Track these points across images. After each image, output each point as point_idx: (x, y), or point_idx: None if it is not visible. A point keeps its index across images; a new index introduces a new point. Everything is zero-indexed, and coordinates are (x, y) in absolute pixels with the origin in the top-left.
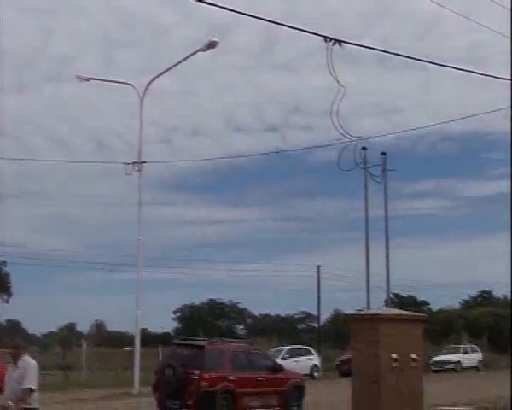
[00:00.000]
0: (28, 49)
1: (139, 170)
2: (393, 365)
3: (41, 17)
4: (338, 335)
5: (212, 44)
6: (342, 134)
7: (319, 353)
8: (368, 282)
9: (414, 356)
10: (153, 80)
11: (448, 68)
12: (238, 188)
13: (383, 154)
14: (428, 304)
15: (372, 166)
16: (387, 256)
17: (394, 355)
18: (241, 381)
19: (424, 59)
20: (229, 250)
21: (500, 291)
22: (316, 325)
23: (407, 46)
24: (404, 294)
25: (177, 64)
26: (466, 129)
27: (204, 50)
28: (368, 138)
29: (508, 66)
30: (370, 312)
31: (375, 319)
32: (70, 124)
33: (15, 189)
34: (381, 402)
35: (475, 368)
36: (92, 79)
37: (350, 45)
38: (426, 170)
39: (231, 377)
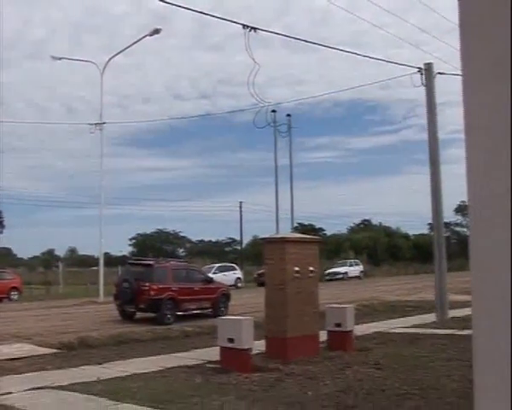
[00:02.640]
0: (11, 33)
1: (100, 129)
2: (296, 275)
3: (20, 7)
4: (256, 255)
5: (156, 31)
6: (257, 100)
7: (241, 269)
8: (277, 214)
9: (311, 269)
10: (110, 59)
11: (338, 50)
12: (178, 143)
13: (288, 115)
14: (324, 230)
15: (280, 125)
16: (292, 195)
17: (297, 268)
18: (181, 290)
19: (320, 43)
20: (172, 191)
21: (376, 220)
22: (239, 248)
23: (307, 32)
24: (306, 223)
25: (130, 46)
26: (352, 97)
27: (151, 35)
28: (277, 104)
29: (380, 49)
30: (279, 236)
31: (283, 241)
32: (46, 93)
33: (3, 145)
34: (287, 302)
35: (358, 277)
36: (63, 58)
37: (263, 31)
38: (322, 128)
39: (174, 288)
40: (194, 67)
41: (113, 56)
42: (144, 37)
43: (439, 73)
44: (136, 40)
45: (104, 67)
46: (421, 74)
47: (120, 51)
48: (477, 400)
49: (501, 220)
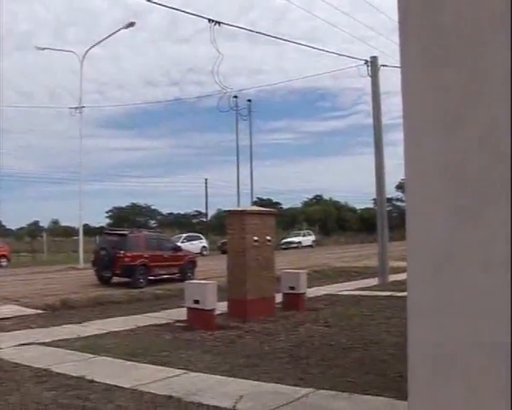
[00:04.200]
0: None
1: (80, 113)
2: (254, 244)
3: (8, 3)
4: (220, 226)
5: (131, 24)
6: (221, 87)
7: (207, 238)
8: (238, 189)
9: (268, 238)
10: (89, 49)
11: (295, 44)
12: (150, 125)
13: (249, 101)
14: (281, 204)
15: (241, 109)
16: (251, 172)
17: (255, 238)
18: (153, 257)
19: (278, 36)
20: (145, 169)
21: (327, 195)
22: (205, 220)
23: (268, 27)
24: (265, 197)
25: (107, 38)
26: (306, 85)
27: (125, 28)
28: (240, 90)
29: (333, 43)
30: (239, 209)
31: (243, 213)
32: (31, 81)
33: None
34: (247, 268)
35: (310, 246)
36: (47, 48)
37: (227, 25)
38: (280, 113)
39: (146, 255)
40: (165, 57)
41: (92, 47)
42: (119, 29)
43: (383, 65)
44: (112, 32)
45: (83, 57)
46: (368, 66)
47: (98, 42)
48: (410, 350)
49: (432, 196)
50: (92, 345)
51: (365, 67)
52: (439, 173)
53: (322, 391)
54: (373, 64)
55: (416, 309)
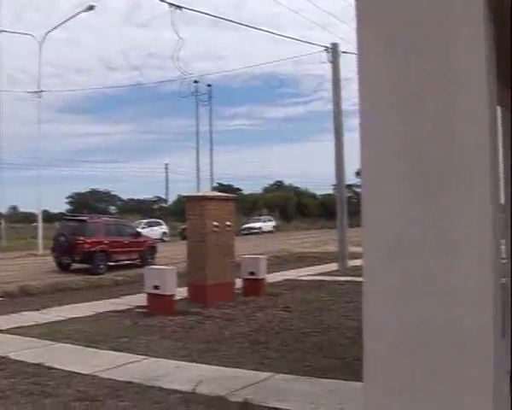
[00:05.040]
0: None
1: (39, 97)
2: (214, 229)
3: None
4: (180, 211)
5: (90, 7)
6: (181, 72)
7: (167, 224)
8: (198, 175)
9: (228, 223)
10: (48, 32)
11: (256, 30)
12: (110, 110)
13: (209, 86)
14: (241, 190)
15: (202, 95)
16: (211, 157)
17: (215, 223)
18: (113, 243)
19: (239, 22)
20: (104, 154)
21: (288, 181)
22: (165, 205)
23: (229, 13)
24: (225, 183)
25: (66, 21)
26: (267, 71)
27: (85, 12)
28: (201, 76)
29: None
30: (199, 194)
31: (202, 199)
32: None
33: None
34: (206, 253)
35: (271, 232)
36: (4, 31)
37: (188, 10)
38: (241, 99)
39: (105, 241)
40: (126, 41)
41: (51, 30)
42: (79, 13)
43: (344, 52)
44: (71, 16)
45: (42, 40)
46: (328, 53)
47: (57, 25)
48: (365, 333)
49: (388, 180)
50: (51, 332)
51: (327, 53)
52: (394, 158)
53: (281, 375)
54: (333, 50)
55: (372, 292)
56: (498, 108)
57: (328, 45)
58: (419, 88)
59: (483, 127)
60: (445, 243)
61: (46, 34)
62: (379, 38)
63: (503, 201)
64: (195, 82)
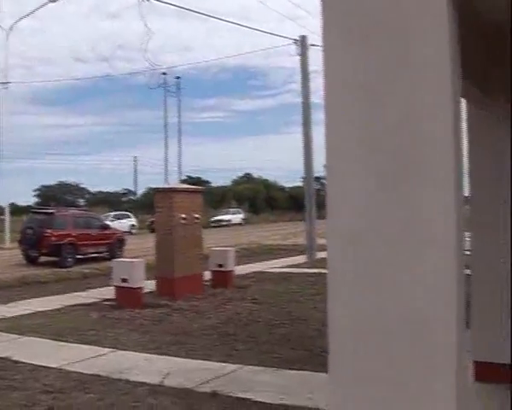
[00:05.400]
0: None
1: (6, 88)
2: (182, 222)
3: None
4: (149, 204)
5: None
6: (150, 64)
7: (136, 217)
8: (166, 167)
9: (196, 216)
10: (16, 22)
11: (224, 22)
12: (79, 102)
13: (177, 78)
14: (210, 182)
15: (170, 87)
16: (180, 150)
17: (183, 215)
18: (80, 236)
19: (207, 13)
20: (73, 146)
21: (257, 174)
22: (134, 198)
23: (198, 5)
24: (194, 176)
25: (33, 11)
26: (237, 63)
27: (53, 2)
28: (170, 67)
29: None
30: (167, 186)
31: (171, 191)
32: None
33: None
34: (174, 246)
35: (240, 224)
36: None
37: (157, 2)
38: (211, 91)
39: (73, 234)
40: (94, 32)
41: (18, 21)
42: (47, 3)
43: (312, 45)
44: (39, 6)
45: (9, 31)
46: (297, 46)
47: (24, 16)
48: (330, 323)
49: (352, 172)
50: (18, 325)
51: (296, 46)
52: (358, 150)
53: (249, 367)
54: (302, 43)
55: (336, 283)
56: (466, 103)
57: (297, 38)
58: (382, 81)
59: (446, 120)
60: (409, 233)
61: (13, 25)
62: (343, 31)
63: (467, 193)
64: (163, 74)
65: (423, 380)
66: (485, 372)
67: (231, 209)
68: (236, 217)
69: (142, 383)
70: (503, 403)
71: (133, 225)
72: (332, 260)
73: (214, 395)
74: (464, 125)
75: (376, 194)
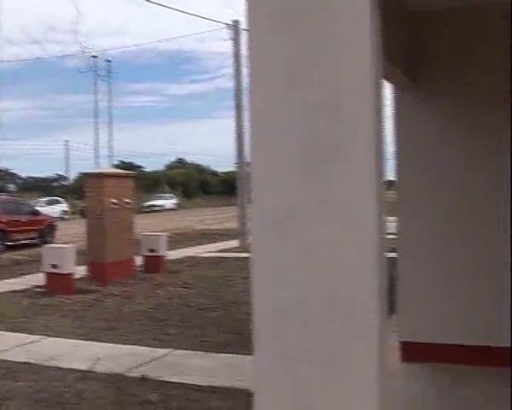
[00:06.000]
0: None
1: None
2: (113, 206)
3: None
4: (81, 189)
5: None
6: (81, 47)
7: (68, 202)
8: (96, 151)
9: (127, 200)
10: None
11: (157, 5)
12: (10, 85)
13: (108, 61)
14: (143, 167)
15: (101, 70)
16: (111, 134)
17: (114, 200)
18: (11, 222)
19: None
20: (3, 131)
21: (192, 158)
22: (66, 183)
23: None
24: (127, 160)
25: None
26: (171, 48)
27: None
28: (103, 51)
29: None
30: (97, 171)
31: (101, 176)
32: None
33: None
34: (105, 231)
35: (173, 209)
36: None
37: None
38: (145, 75)
39: (3, 220)
40: (26, 15)
41: None
42: None
43: (245, 29)
44: None
45: None
46: (230, 30)
47: None
48: (255, 305)
49: (277, 154)
50: None
51: (229, 31)
52: (282, 132)
53: (180, 351)
54: (235, 28)
55: (260, 265)
56: (393, 88)
57: (231, 23)
58: (305, 63)
59: (367, 103)
60: (331, 216)
61: None
62: (267, 13)
63: (392, 177)
64: (94, 57)
65: (345, 360)
66: (411, 352)
67: (164, 194)
68: (169, 202)
69: (73, 370)
70: (428, 382)
71: (65, 211)
72: (256, 242)
73: (144, 379)
74: (391, 111)
75: (297, 177)
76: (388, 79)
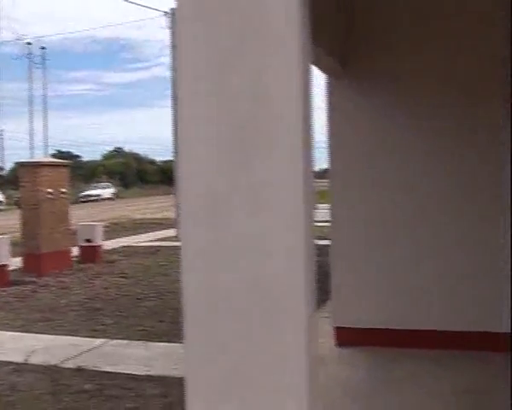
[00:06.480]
0: None
1: None
2: (48, 196)
3: None
4: (17, 180)
5: None
6: (16, 34)
7: (4, 193)
8: (32, 141)
9: (63, 190)
10: None
11: None
12: None
13: (42, 48)
14: (80, 157)
15: (36, 57)
16: (47, 123)
17: (49, 190)
18: None
19: None
20: None
21: (128, 148)
22: (1, 174)
23: None
24: (64, 150)
25: None
26: (109, 36)
27: None
28: (39, 38)
29: None
30: (32, 160)
31: (36, 165)
32: None
33: None
34: (40, 221)
35: (110, 198)
36: None
37: None
38: (82, 63)
39: None
40: None
41: None
42: None
43: None
44: None
45: None
46: (168, 18)
47: None
48: (185, 294)
49: (204, 141)
50: None
51: (167, 19)
52: (209, 120)
53: (116, 341)
54: (172, 16)
55: (188, 253)
56: (327, 76)
57: (168, 10)
58: (231, 51)
59: (295, 91)
60: (257, 203)
61: None
62: (193, 2)
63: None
64: (28, 44)
65: (275, 346)
66: (345, 337)
67: (101, 184)
68: (107, 192)
69: (7, 362)
70: (361, 366)
71: (0, 202)
72: (184, 232)
73: (79, 369)
74: (323, 99)
75: (223, 165)
76: (320, 67)
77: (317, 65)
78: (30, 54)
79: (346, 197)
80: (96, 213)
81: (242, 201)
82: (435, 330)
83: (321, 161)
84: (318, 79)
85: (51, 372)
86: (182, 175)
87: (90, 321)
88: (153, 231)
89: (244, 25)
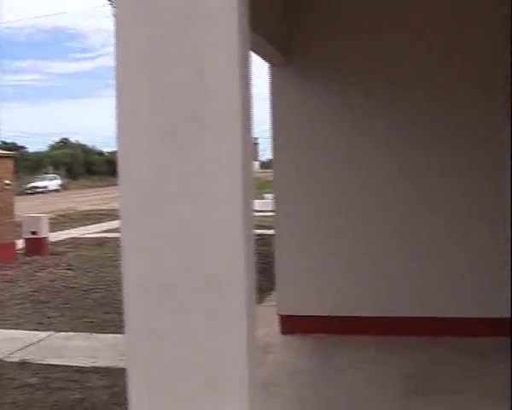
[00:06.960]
0: None
1: None
2: None
3: None
4: None
5: None
6: None
7: None
8: None
9: (7, 182)
10: None
11: None
12: None
13: None
14: (26, 148)
15: None
16: None
17: None
18: None
19: None
20: None
21: (75, 138)
22: None
23: None
24: (9, 141)
25: None
26: (54, 25)
27: None
28: None
29: None
30: None
31: None
32: None
33: None
34: None
35: (57, 190)
36: None
37: None
38: (26, 53)
39: None
40: None
41: None
42: None
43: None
44: None
45: None
46: (113, 6)
47: None
48: (125, 285)
49: (140, 133)
50: None
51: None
52: (147, 110)
53: (61, 333)
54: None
55: (128, 243)
56: (269, 66)
57: None
58: (169, 41)
59: (233, 80)
60: (196, 193)
61: None
62: None
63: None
64: None
65: (214, 335)
66: (290, 325)
67: (48, 175)
68: (53, 183)
69: None
70: (306, 353)
71: None
72: (123, 222)
73: (23, 363)
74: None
75: (166, 153)
76: (261, 54)
77: (257, 53)
78: None
79: (288, 187)
80: (43, 204)
81: (180, 190)
82: (379, 317)
83: (269, 151)
84: (263, 67)
85: None
86: (120, 165)
87: (36, 314)
88: (100, 222)
89: (183, 11)
